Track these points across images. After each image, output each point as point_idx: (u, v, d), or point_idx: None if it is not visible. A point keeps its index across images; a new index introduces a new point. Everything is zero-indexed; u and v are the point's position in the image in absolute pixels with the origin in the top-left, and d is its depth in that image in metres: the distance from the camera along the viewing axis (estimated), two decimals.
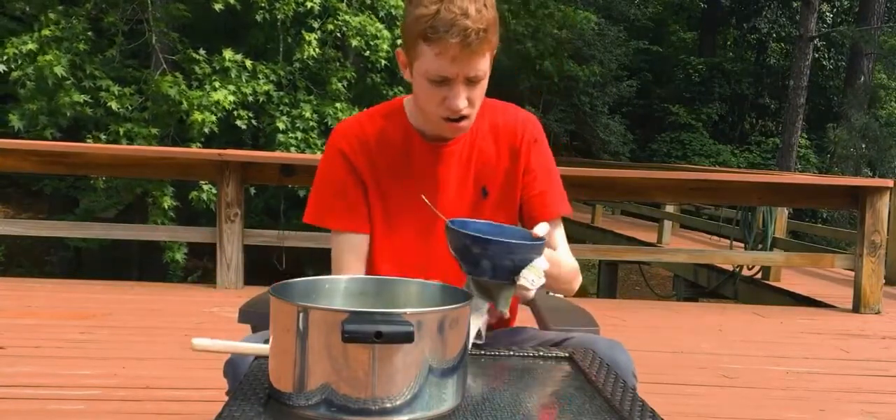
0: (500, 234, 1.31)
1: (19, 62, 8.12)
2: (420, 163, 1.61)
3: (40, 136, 8.15)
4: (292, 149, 8.86)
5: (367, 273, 1.64)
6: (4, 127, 8.47)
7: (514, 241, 1.27)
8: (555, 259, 1.49)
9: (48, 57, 7.94)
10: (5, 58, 8.10)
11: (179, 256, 8.50)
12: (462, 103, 1.47)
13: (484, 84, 1.50)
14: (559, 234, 1.69)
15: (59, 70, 7.95)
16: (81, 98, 8.14)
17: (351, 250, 1.62)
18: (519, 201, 1.66)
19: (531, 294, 1.32)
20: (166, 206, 8.39)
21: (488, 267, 1.26)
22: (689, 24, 24.40)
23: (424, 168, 1.61)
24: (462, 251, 1.27)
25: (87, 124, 8.71)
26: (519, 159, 1.64)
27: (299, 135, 9.01)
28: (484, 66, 1.46)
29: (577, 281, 1.64)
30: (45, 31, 8.23)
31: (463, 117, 1.50)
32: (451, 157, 1.61)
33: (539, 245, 1.28)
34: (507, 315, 1.40)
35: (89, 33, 8.64)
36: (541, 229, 1.34)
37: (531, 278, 1.26)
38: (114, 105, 8.33)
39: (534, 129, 1.66)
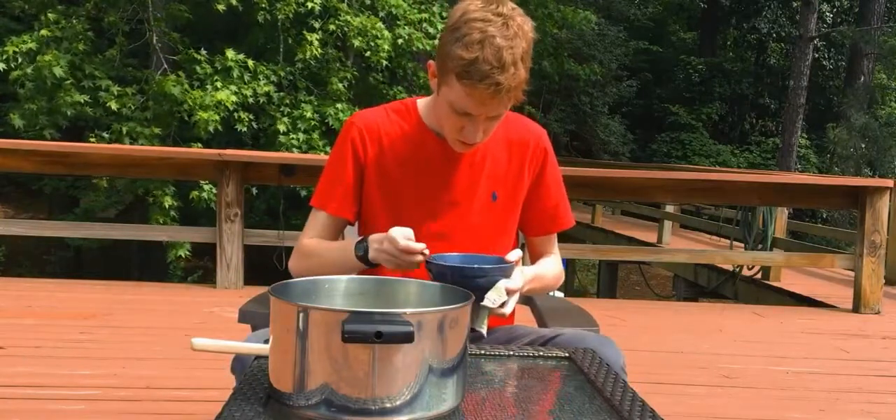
0: (473, 262, 1.45)
1: (19, 61, 8.12)
2: (432, 161, 1.65)
3: (40, 136, 8.14)
4: (294, 150, 8.85)
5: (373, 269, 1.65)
6: (4, 126, 8.47)
7: (484, 266, 1.42)
8: (537, 275, 1.63)
9: (47, 57, 7.93)
10: (5, 57, 8.09)
11: (183, 252, 8.51)
12: (479, 137, 1.54)
13: (501, 119, 1.56)
14: (553, 241, 1.81)
15: (58, 70, 7.94)
16: (81, 98, 8.14)
17: (316, 225, 1.69)
18: (522, 210, 1.73)
19: (505, 312, 1.41)
20: (167, 206, 8.39)
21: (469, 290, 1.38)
22: (689, 24, 24.40)
23: (436, 166, 1.65)
24: (439, 278, 1.38)
25: (89, 124, 8.71)
26: (529, 172, 1.71)
27: (301, 136, 9.01)
28: (506, 109, 1.53)
29: (559, 282, 1.79)
30: (45, 31, 8.22)
31: (475, 144, 1.57)
32: (464, 158, 1.65)
33: (506, 268, 1.43)
34: (507, 314, 1.45)
35: (89, 33, 8.64)
36: (513, 255, 1.44)
37: (493, 298, 1.39)
38: (113, 105, 8.32)
39: (545, 144, 1.73)
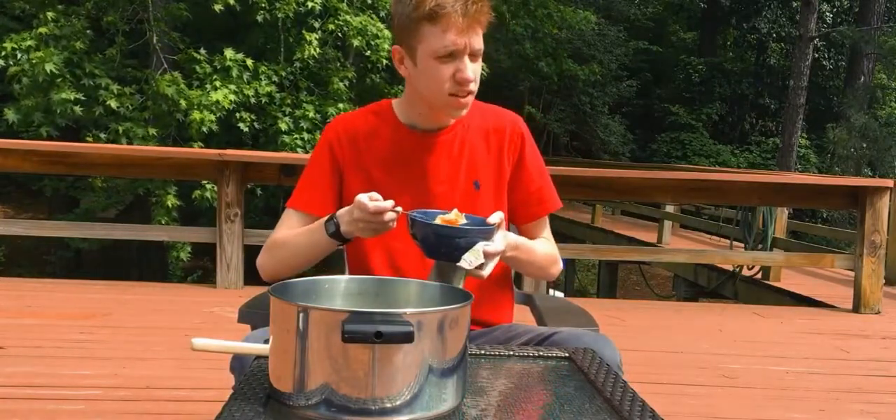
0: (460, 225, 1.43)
1: (18, 57, 8.09)
2: (410, 153, 1.67)
3: (36, 133, 8.12)
4: (298, 149, 8.85)
5: (362, 263, 1.67)
6: (1, 125, 8.45)
7: (465, 226, 1.41)
8: (523, 244, 1.61)
9: (40, 53, 7.90)
10: (3, 54, 8.05)
11: (184, 255, 8.49)
12: (471, 74, 1.56)
13: (480, 64, 1.60)
14: (543, 224, 1.79)
15: (49, 67, 7.89)
16: (72, 96, 8.07)
17: (288, 224, 1.69)
18: (511, 198, 1.73)
19: (483, 274, 1.42)
20: (170, 206, 8.37)
21: (444, 250, 1.40)
22: (689, 24, 24.39)
23: (415, 158, 1.67)
24: (423, 239, 1.40)
25: (88, 124, 8.69)
26: (509, 157, 1.71)
27: (305, 135, 9.00)
28: (481, 42, 1.57)
29: (555, 267, 1.75)
30: (43, 29, 8.20)
31: (469, 93, 1.59)
32: (441, 147, 1.67)
33: (487, 230, 1.42)
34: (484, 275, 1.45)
35: (88, 32, 8.61)
36: (494, 218, 1.45)
37: (470, 259, 1.38)
38: (113, 104, 8.31)
39: (522, 128, 1.75)
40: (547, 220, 1.79)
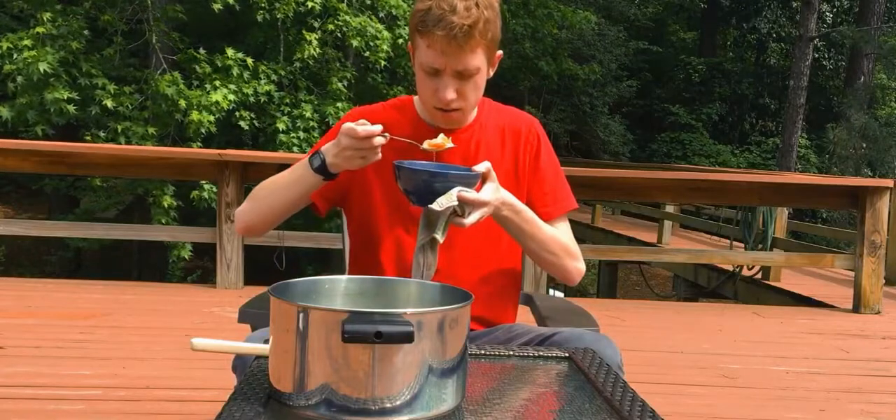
0: (440, 169, 1.44)
1: (14, 56, 8.08)
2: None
3: (32, 132, 8.11)
4: (295, 149, 8.85)
5: (372, 257, 1.67)
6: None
7: (446, 172, 1.40)
8: (522, 211, 1.56)
9: (33, 52, 7.88)
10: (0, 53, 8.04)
11: (185, 253, 8.49)
12: (450, 95, 1.55)
13: (477, 80, 1.57)
14: (561, 222, 1.73)
15: (43, 66, 7.87)
16: (65, 95, 8.05)
17: None
18: (526, 198, 1.71)
19: (465, 222, 1.40)
20: (167, 206, 8.36)
21: (426, 196, 1.39)
22: (689, 24, 24.39)
23: (432, 153, 1.65)
24: (405, 186, 1.40)
25: (87, 123, 8.70)
26: (525, 158, 1.71)
27: (301, 135, 9.00)
28: (475, 62, 1.53)
29: (571, 261, 1.67)
30: (39, 28, 8.19)
31: (454, 109, 1.58)
32: (458, 144, 1.67)
33: (467, 177, 1.40)
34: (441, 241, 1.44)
35: (85, 32, 8.61)
36: (480, 166, 1.43)
37: (442, 201, 1.36)
38: (109, 103, 8.30)
39: (538, 130, 1.75)
40: (565, 221, 1.74)
